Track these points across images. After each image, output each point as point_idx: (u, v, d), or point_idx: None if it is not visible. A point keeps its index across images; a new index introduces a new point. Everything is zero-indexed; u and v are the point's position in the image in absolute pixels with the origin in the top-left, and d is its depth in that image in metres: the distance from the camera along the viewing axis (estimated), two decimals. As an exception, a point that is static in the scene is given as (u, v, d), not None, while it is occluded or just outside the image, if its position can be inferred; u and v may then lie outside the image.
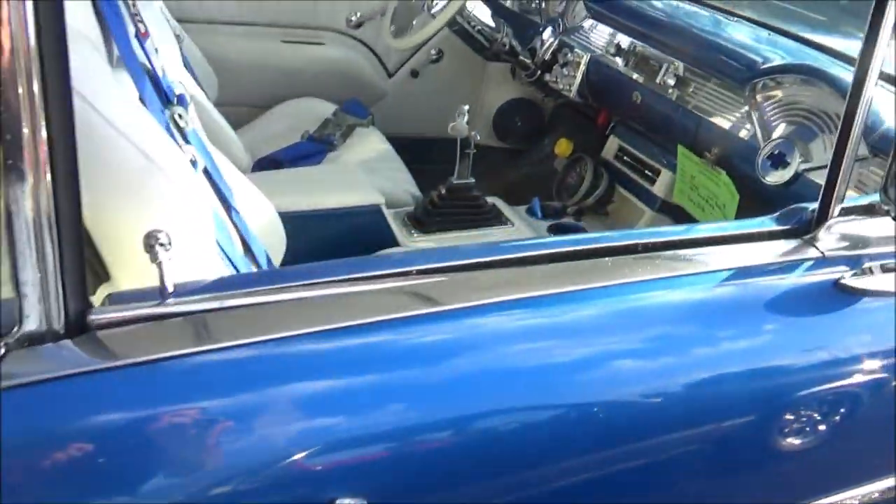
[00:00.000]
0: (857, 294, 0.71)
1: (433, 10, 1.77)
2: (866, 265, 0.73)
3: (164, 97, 0.93)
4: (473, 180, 1.61)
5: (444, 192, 1.61)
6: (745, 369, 0.69)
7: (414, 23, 1.81)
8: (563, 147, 1.83)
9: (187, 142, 0.96)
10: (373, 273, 0.62)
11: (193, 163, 0.85)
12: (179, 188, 0.66)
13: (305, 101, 2.10)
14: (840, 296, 0.71)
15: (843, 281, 0.71)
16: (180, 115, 0.94)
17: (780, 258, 0.73)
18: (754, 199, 1.36)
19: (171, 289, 0.52)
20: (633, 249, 0.68)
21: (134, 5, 0.89)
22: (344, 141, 1.98)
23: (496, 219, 1.67)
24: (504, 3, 2.14)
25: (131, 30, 0.87)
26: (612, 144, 1.79)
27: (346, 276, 0.63)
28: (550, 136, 2.22)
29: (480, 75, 2.33)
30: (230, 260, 0.85)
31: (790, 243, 0.75)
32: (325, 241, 1.49)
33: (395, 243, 1.53)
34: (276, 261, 1.28)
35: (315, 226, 1.48)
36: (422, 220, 1.61)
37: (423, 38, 1.71)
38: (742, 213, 1.37)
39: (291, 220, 1.41)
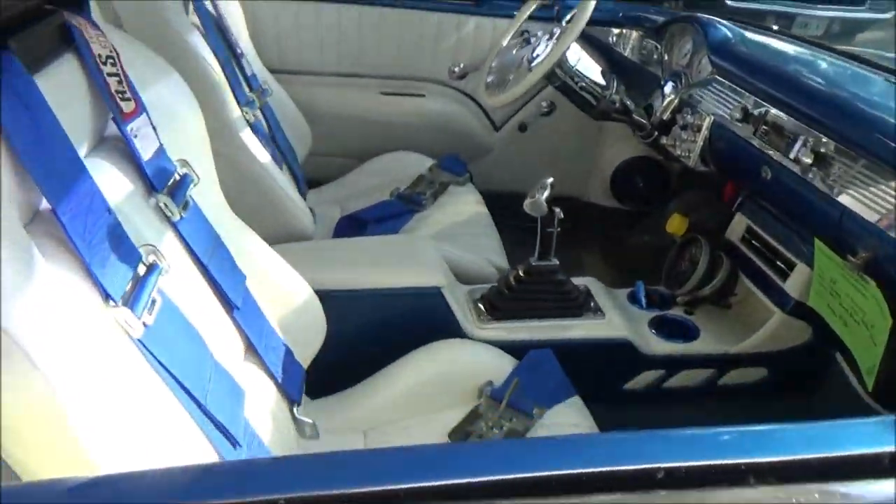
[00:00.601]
0: None
1: (533, 64, 1.57)
2: None
3: (149, 184, 0.82)
4: (557, 262, 1.39)
5: (521, 273, 1.39)
6: None
7: (510, 77, 1.62)
8: (675, 224, 1.55)
9: (178, 231, 0.85)
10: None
11: (153, 267, 0.72)
12: (45, 352, 0.51)
13: (401, 154, 1.99)
14: None
15: None
16: (166, 204, 0.83)
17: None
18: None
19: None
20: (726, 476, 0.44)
21: (121, 82, 0.79)
22: (434, 200, 1.84)
23: (584, 307, 1.42)
24: (623, 52, 1.90)
25: (103, 116, 0.78)
26: (739, 224, 1.48)
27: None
28: (676, 202, 1.93)
29: (598, 129, 2.09)
30: (192, 397, 0.72)
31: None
32: (380, 322, 1.34)
33: (458, 330, 1.34)
34: (312, 346, 1.14)
35: (369, 305, 1.33)
36: (495, 304, 1.40)
37: (515, 96, 1.52)
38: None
39: (342, 299, 1.29)
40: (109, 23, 0.92)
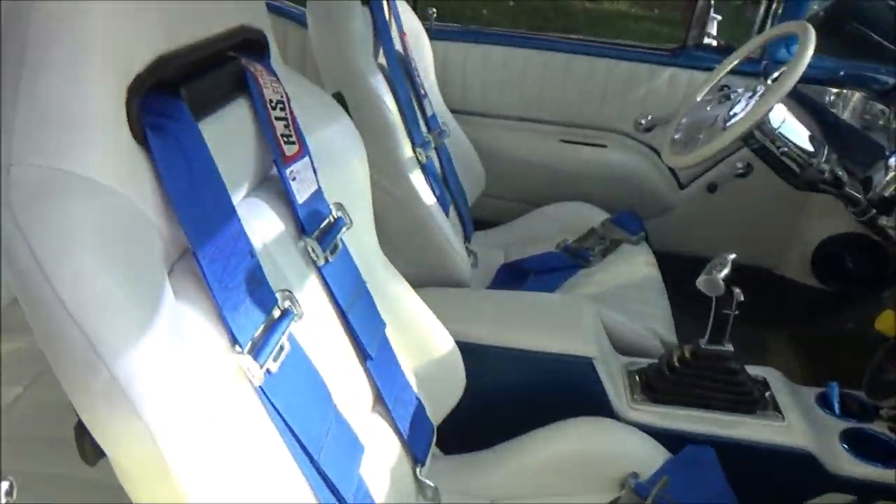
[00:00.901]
0: None
1: (729, 123, 1.42)
2: None
3: (300, 227, 0.83)
4: (731, 349, 1.22)
5: (687, 354, 1.25)
6: None
7: (700, 136, 1.48)
8: (887, 321, 1.29)
9: (322, 275, 0.85)
10: None
11: (286, 313, 0.72)
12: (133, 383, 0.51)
13: (575, 205, 1.91)
14: None
15: None
16: (313, 249, 0.83)
17: None
18: None
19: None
20: None
21: (287, 126, 0.81)
22: (602, 257, 1.74)
23: (759, 404, 1.24)
24: (839, 115, 1.67)
25: (267, 159, 0.79)
26: (975, 332, 1.21)
27: None
28: (892, 293, 1.64)
29: (801, 197, 1.85)
30: (305, 450, 0.70)
31: None
32: (523, 385, 1.27)
33: (606, 405, 1.23)
34: (447, 403, 1.09)
35: (513, 366, 1.26)
36: (653, 384, 1.27)
37: (703, 158, 1.38)
38: None
39: (485, 354, 1.24)
40: (291, 62, 0.95)
